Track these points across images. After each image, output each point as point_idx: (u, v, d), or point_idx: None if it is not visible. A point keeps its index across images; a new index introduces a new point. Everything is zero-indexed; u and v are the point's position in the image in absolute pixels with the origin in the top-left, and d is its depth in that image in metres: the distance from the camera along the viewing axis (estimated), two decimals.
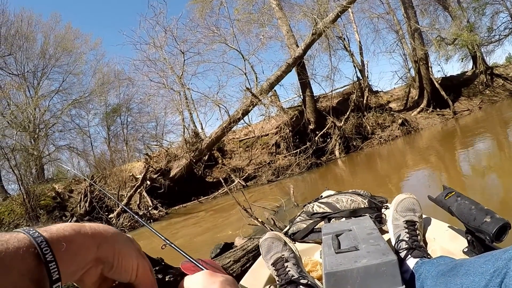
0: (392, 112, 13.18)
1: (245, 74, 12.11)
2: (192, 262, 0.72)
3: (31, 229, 0.45)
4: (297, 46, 12.13)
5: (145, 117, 21.11)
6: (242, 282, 1.29)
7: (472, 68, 18.02)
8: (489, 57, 19.53)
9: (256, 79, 12.07)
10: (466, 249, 1.08)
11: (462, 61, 19.59)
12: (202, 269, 0.68)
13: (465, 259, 0.87)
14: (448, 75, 17.56)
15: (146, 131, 21.10)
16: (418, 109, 13.95)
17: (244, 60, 12.32)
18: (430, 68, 14.94)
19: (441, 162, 6.46)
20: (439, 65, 26.52)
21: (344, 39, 13.29)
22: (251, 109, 11.27)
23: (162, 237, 0.89)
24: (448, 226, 1.27)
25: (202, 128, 13.94)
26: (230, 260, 2.17)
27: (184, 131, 12.17)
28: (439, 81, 15.02)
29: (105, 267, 0.53)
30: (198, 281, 0.58)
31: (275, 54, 34.82)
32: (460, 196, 1.09)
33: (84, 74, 21.66)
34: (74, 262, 0.47)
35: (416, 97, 14.97)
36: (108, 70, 22.13)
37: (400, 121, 12.26)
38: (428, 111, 13.80)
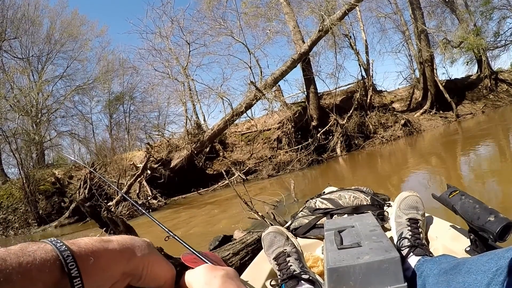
0: (395, 112, 13.16)
1: (250, 67, 12.06)
2: (195, 254, 0.73)
3: (59, 241, 0.46)
4: (303, 42, 12.08)
5: (148, 106, 21.16)
6: (243, 276, 1.29)
7: (477, 72, 18.00)
8: (494, 62, 19.56)
9: (261, 73, 12.05)
10: (469, 248, 1.08)
11: (467, 64, 19.61)
12: (205, 262, 0.69)
13: (467, 258, 0.88)
14: (453, 78, 17.55)
15: (148, 121, 21.17)
16: (421, 111, 13.94)
17: (250, 54, 12.28)
18: (435, 70, 14.90)
19: (442, 164, 6.47)
20: (444, 67, 26.42)
21: (351, 37, 13.30)
22: (255, 103, 11.26)
23: (166, 229, 0.89)
24: (450, 225, 1.27)
25: (204, 120, 13.99)
26: (229, 253, 2.19)
27: (186, 122, 12.19)
28: (444, 84, 14.99)
29: (133, 279, 0.55)
30: (199, 275, 0.59)
31: (280, 49, 34.72)
32: (464, 195, 1.09)
33: (88, 61, 21.70)
34: (101, 277, 0.48)
35: (420, 99, 14.93)
36: (113, 58, 22.12)
37: (402, 121, 12.26)
38: (431, 113, 13.79)
